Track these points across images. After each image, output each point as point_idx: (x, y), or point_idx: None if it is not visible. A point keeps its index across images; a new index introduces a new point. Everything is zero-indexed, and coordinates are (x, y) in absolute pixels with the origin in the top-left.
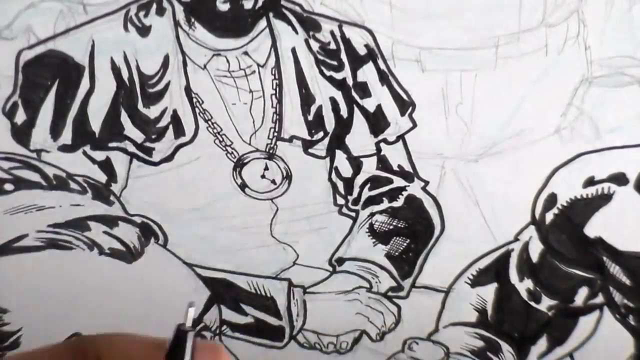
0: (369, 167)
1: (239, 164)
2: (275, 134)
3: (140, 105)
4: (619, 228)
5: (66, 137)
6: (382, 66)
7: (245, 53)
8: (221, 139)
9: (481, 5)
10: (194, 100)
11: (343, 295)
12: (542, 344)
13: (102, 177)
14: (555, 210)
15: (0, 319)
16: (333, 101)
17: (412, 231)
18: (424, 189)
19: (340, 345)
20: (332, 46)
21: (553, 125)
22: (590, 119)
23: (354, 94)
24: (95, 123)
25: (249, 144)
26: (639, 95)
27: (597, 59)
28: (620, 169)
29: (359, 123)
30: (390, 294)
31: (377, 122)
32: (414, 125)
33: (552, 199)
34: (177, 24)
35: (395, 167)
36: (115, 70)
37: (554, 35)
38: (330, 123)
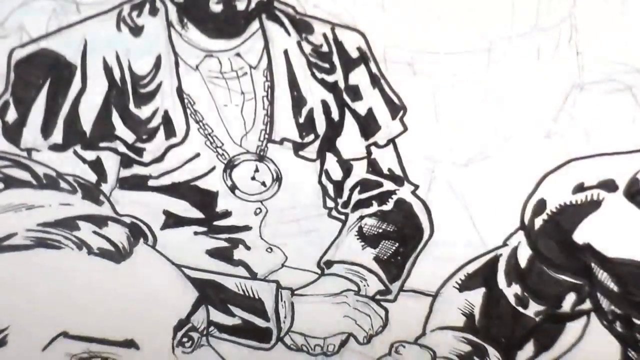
0: (359, 171)
1: (230, 166)
2: (266, 136)
3: (131, 106)
4: (608, 235)
5: (57, 136)
6: (374, 69)
7: (238, 54)
8: (212, 141)
9: (474, 9)
10: (186, 101)
11: (331, 297)
12: (528, 349)
13: (92, 177)
14: (544, 216)
15: None
16: (324, 104)
17: (401, 235)
18: (413, 192)
19: (328, 347)
20: (325, 49)
21: (544, 130)
22: (581, 124)
23: (345, 96)
24: (87, 123)
25: (240, 146)
26: (630, 102)
27: (589, 65)
28: (610, 175)
29: (350, 126)
30: (378, 297)
31: (368, 125)
32: (405, 129)
33: (541, 205)
34: (169, 24)
35: (385, 171)
36: (107, 70)
37: (546, 40)
38: (321, 126)
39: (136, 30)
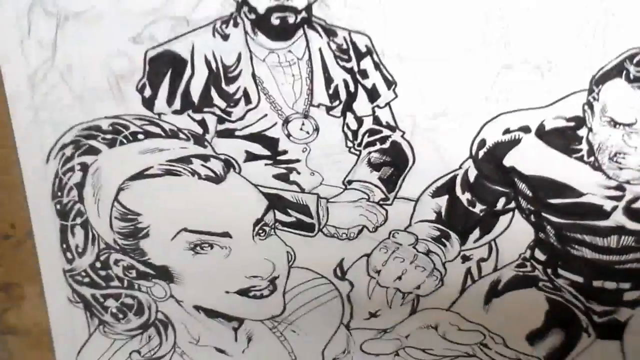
0: (368, 123)
1: (286, 121)
2: (308, 102)
3: (223, 84)
4: (525, 160)
5: (177, 105)
6: (376, 59)
7: (290, 51)
8: (274, 106)
9: (439, 19)
10: (257, 81)
11: (351, 203)
12: (476, 233)
13: (199, 130)
14: (485, 149)
15: (137, 219)
16: (345, 81)
17: (394, 163)
18: (402, 136)
19: (350, 234)
20: (345, 46)
21: (484, 95)
22: (507, 91)
23: (358, 76)
24: (195, 96)
25: (292, 109)
26: (538, 76)
27: (513, 53)
28: (525, 123)
29: (361, 95)
30: (381, 202)
31: (372, 94)
32: (396, 96)
33: (482, 142)
34: (246, 32)
35: (384, 123)
36: (207, 62)
37: (486, 37)
38: (343, 95)
39: (225, 37)
